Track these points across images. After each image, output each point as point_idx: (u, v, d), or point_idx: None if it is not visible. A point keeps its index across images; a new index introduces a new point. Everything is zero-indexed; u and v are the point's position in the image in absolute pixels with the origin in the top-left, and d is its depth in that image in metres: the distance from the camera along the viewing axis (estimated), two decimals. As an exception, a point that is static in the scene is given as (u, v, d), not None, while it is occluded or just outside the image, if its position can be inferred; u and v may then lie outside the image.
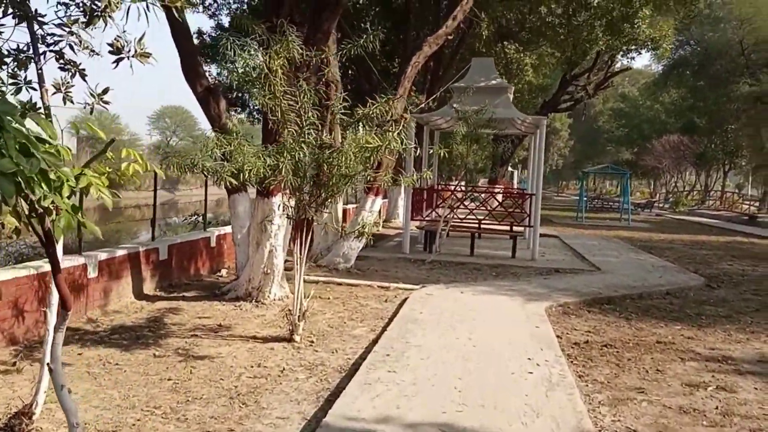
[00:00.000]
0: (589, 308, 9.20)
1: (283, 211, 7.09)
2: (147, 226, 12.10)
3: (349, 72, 19.96)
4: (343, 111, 6.58)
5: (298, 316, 6.84)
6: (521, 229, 15.32)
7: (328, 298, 9.10)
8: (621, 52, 22.78)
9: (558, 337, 7.40)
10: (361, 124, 6.34)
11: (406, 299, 9.05)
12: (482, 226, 14.84)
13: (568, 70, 29.46)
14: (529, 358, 6.19)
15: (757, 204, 40.49)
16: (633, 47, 21.33)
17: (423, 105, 15.81)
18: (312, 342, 6.89)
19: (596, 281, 11.08)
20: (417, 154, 17.74)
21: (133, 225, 22.35)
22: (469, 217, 15.03)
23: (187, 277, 9.78)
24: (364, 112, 6.28)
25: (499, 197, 17.05)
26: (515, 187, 48.28)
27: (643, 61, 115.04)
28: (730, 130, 46.34)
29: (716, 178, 52.76)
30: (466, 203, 15.01)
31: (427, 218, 15.17)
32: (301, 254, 6.71)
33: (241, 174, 5.45)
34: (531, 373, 5.75)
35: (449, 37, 23.97)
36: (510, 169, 52.26)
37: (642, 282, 11.19)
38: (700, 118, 48.15)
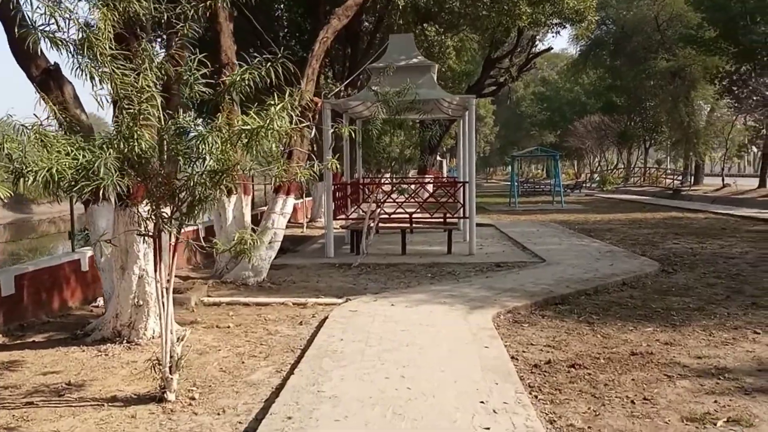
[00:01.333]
0: (542, 312, 7.65)
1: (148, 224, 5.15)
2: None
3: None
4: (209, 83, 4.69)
5: (170, 368, 4.96)
6: (456, 220, 13.76)
7: (228, 327, 7.21)
8: (545, 27, 21.54)
9: (513, 358, 5.78)
10: (232, 98, 4.49)
11: (325, 319, 7.27)
12: (414, 220, 13.19)
13: (491, 52, 28.24)
14: (482, 402, 4.51)
15: (679, 178, 40.60)
16: (557, 21, 20.15)
17: (339, 91, 14.02)
18: (192, 399, 5.02)
19: (544, 276, 9.59)
20: (332, 144, 15.94)
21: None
22: (398, 211, 13.36)
23: (48, 312, 7.67)
24: (233, 77, 4.42)
25: (430, 187, 15.48)
26: (445, 176, 47.16)
27: (561, 44, 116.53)
28: (648, 107, 46.53)
29: (638, 155, 53.17)
30: (394, 197, 13.31)
31: (352, 216, 13.41)
32: (161, 284, 4.82)
33: (23, 180, 3.53)
34: (488, 429, 4.07)
35: (366, 23, 22.30)
36: (438, 158, 51.14)
37: (593, 273, 9.77)
38: (619, 97, 48.16)
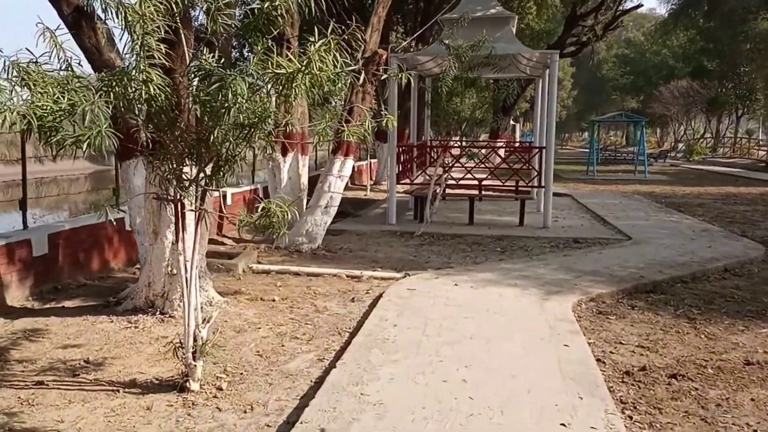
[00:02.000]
0: (631, 302, 6.58)
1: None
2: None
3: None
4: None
5: (194, 353, 4.25)
6: (529, 189, 12.63)
7: (273, 300, 6.49)
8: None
9: (599, 361, 4.81)
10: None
11: (380, 297, 6.45)
12: (483, 187, 12.14)
13: (575, 8, 26.26)
14: (563, 425, 3.59)
15: (773, 150, 37.53)
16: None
17: (408, 45, 12.96)
18: (219, 390, 4.31)
19: (631, 257, 8.43)
20: (404, 105, 14.95)
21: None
22: (467, 177, 12.31)
23: (87, 274, 7.16)
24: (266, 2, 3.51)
25: (503, 152, 14.34)
26: (518, 141, 45.26)
27: (649, 4, 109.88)
28: (743, 72, 43.10)
29: (728, 124, 49.63)
30: (463, 161, 12.26)
31: (417, 181, 12.48)
32: (186, 257, 4.07)
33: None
34: (572, 468, 3.16)
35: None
36: (512, 122, 49.23)
37: (689, 256, 8.54)
38: (711, 62, 44.85)
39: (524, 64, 13.55)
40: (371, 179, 19.61)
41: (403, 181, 12.03)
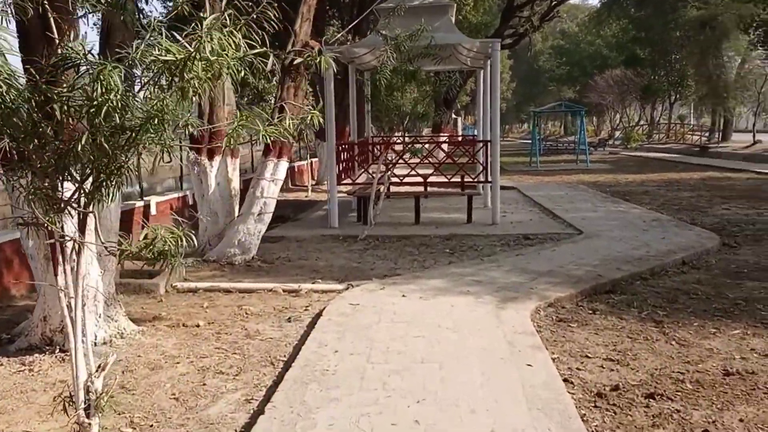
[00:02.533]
0: (592, 304, 6.06)
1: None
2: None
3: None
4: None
5: (86, 409, 3.45)
6: (476, 184, 12.10)
7: (197, 326, 5.69)
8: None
9: (567, 381, 4.23)
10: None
11: (320, 314, 5.74)
12: (429, 184, 11.55)
13: (511, 1, 26.04)
14: (537, 476, 2.97)
15: (706, 134, 38.38)
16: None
17: (343, 37, 12.24)
18: (120, 452, 3.53)
19: (586, 253, 7.96)
20: (343, 101, 14.28)
21: None
22: (411, 174, 11.69)
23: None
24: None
25: (446, 147, 13.80)
26: (460, 134, 45.07)
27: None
28: (674, 59, 44.01)
29: (661, 111, 50.72)
30: (406, 158, 11.62)
31: (359, 180, 11.77)
32: (69, 294, 3.27)
33: None
34: None
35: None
36: (453, 115, 49.12)
37: (645, 249, 8.13)
38: (643, 50, 45.62)
39: (465, 54, 13.02)
40: (312, 179, 18.80)
41: (344, 181, 11.32)
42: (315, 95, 17.47)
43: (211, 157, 8.27)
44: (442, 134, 28.44)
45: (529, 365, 4.33)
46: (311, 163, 19.91)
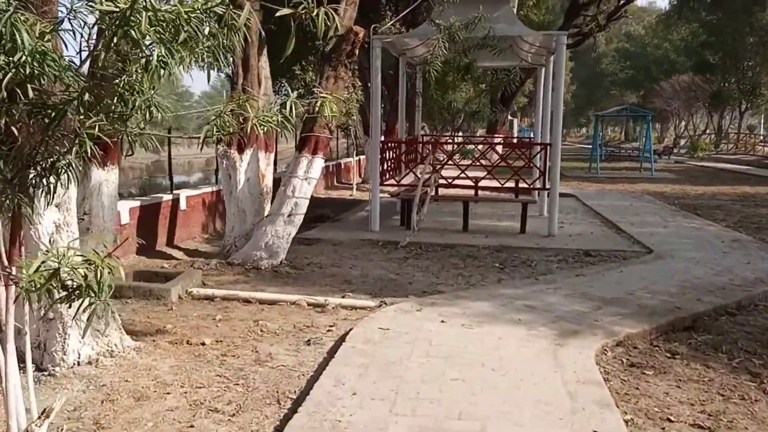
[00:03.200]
0: (670, 345, 5.01)
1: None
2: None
3: None
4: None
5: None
6: (531, 192, 11.05)
7: (202, 344, 4.91)
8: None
9: (646, 458, 3.25)
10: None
11: (344, 337, 4.89)
12: (480, 188, 10.58)
13: (576, -2, 24.62)
14: None
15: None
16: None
17: (395, 25, 11.35)
18: None
19: (659, 277, 6.86)
20: (393, 97, 13.44)
21: None
22: (461, 177, 10.73)
23: None
24: None
25: (501, 149, 12.77)
26: (516, 136, 43.60)
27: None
28: (747, 66, 41.49)
29: (730, 120, 48.04)
30: (456, 159, 10.67)
31: (405, 181, 10.89)
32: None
33: None
34: None
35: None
36: (509, 116, 47.70)
37: (727, 276, 6.98)
38: (714, 55, 43.16)
39: (526, 50, 11.98)
40: (359, 177, 18.02)
41: (388, 182, 10.45)
42: (365, 89, 16.67)
43: (241, 150, 7.53)
44: (496, 135, 27.30)
45: (595, 432, 3.37)
46: (359, 160, 19.13)
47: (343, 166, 18.70)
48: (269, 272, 7.25)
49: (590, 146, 36.22)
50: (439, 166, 9.39)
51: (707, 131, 47.82)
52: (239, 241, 7.59)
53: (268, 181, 8.06)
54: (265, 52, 8.30)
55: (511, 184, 10.38)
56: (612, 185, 18.20)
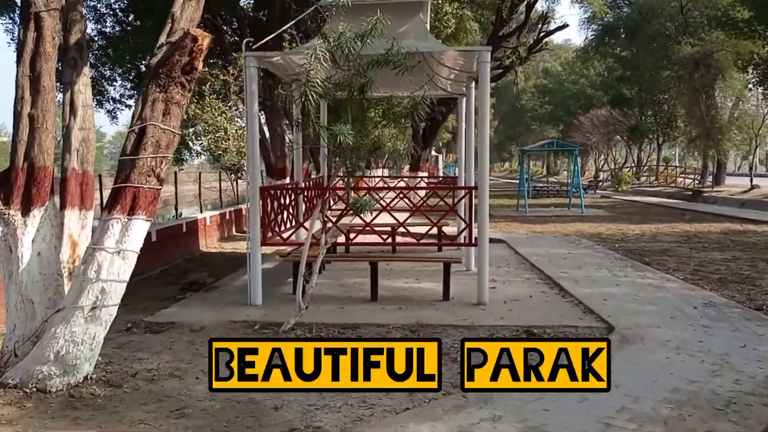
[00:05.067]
0: None
1: None
2: None
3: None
4: None
5: None
6: (455, 248, 8.89)
7: None
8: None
9: None
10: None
11: None
12: (393, 243, 8.34)
13: (496, 29, 23.26)
14: None
15: (698, 177, 35.72)
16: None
17: (277, 38, 9.05)
18: None
19: (635, 383, 4.67)
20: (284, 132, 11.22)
21: None
22: (370, 228, 8.45)
23: None
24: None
25: (422, 193, 10.62)
26: (441, 174, 42.08)
27: (565, 35, 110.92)
28: (662, 99, 41.68)
29: (648, 152, 48.33)
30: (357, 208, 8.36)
31: (296, 238, 8.51)
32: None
33: None
34: None
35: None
36: (433, 152, 46.37)
37: (729, 374, 4.88)
38: (630, 89, 43.31)
39: (445, 75, 9.99)
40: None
41: (272, 240, 8.03)
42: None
43: (27, 208, 4.96)
44: (419, 174, 25.43)
45: None
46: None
47: (244, 213, 16.13)
48: (63, 397, 4.66)
49: (515, 181, 35.03)
50: (328, 223, 7.02)
51: (627, 164, 47.87)
52: (23, 346, 4.96)
53: (81, 252, 5.50)
54: (86, 71, 5.84)
55: (432, 235, 8.16)
56: (543, 226, 16.39)
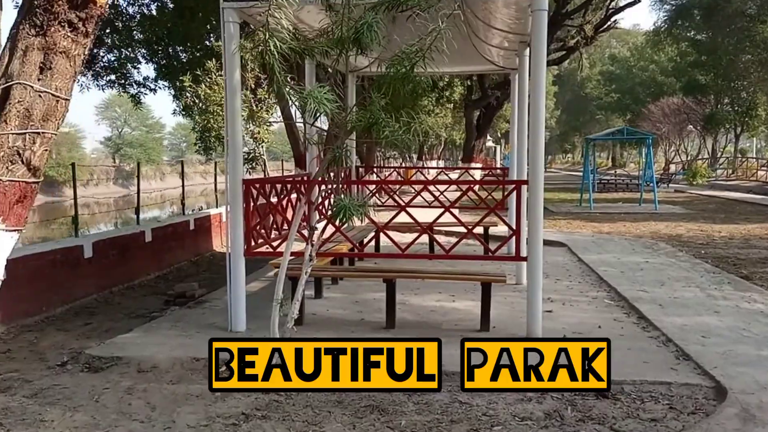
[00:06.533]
0: None
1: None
2: None
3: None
4: None
5: None
6: (495, 268, 6.89)
7: None
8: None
9: None
10: None
11: None
12: (409, 256, 6.46)
13: (559, 6, 20.82)
14: None
15: (784, 170, 32.12)
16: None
17: None
18: None
19: None
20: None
21: None
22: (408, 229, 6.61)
23: None
24: None
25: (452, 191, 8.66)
26: (497, 165, 39.56)
27: (634, 19, 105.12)
28: (742, 86, 37.92)
29: (725, 143, 44.39)
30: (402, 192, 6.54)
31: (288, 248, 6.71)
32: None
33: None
34: None
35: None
36: (490, 143, 43.90)
37: None
38: (705, 75, 39.58)
39: (497, 42, 8.06)
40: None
41: (257, 249, 6.27)
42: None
43: None
44: (473, 165, 23.34)
45: None
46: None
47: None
48: None
49: (579, 173, 32.26)
50: (314, 226, 5.10)
51: (701, 156, 44.11)
52: None
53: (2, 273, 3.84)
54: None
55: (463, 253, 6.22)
56: (611, 225, 14.08)
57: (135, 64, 14.98)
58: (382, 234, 7.07)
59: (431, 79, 4.72)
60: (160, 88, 15.22)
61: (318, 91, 3.71)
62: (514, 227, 5.77)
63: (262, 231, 6.41)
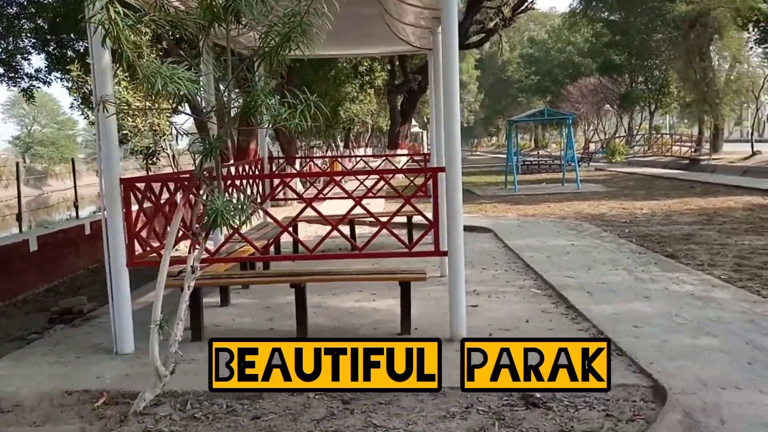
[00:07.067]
0: None
1: None
2: None
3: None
4: None
5: None
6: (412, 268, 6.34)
7: None
8: None
9: None
10: None
11: None
12: (319, 257, 5.80)
13: (477, -12, 20.52)
14: None
15: (695, 146, 33.32)
16: None
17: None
18: None
19: None
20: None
21: None
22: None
23: None
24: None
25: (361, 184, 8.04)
26: (425, 151, 39.32)
27: (549, 2, 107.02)
28: (655, 64, 39.11)
29: (640, 121, 45.85)
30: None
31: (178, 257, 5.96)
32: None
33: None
34: None
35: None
36: (417, 129, 43.65)
37: None
38: (620, 55, 40.65)
39: (406, 20, 7.45)
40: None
41: (143, 257, 5.49)
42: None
43: None
44: (398, 151, 22.89)
45: None
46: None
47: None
48: None
49: (503, 156, 32.40)
50: (201, 232, 4.39)
51: (618, 134, 45.39)
52: None
53: None
54: None
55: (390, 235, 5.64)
56: (535, 207, 13.90)
57: (25, 55, 13.58)
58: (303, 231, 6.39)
59: (351, 62, 4.11)
60: (53, 80, 13.90)
61: (170, 67, 3.00)
62: (430, 220, 5.22)
63: (152, 236, 5.62)
